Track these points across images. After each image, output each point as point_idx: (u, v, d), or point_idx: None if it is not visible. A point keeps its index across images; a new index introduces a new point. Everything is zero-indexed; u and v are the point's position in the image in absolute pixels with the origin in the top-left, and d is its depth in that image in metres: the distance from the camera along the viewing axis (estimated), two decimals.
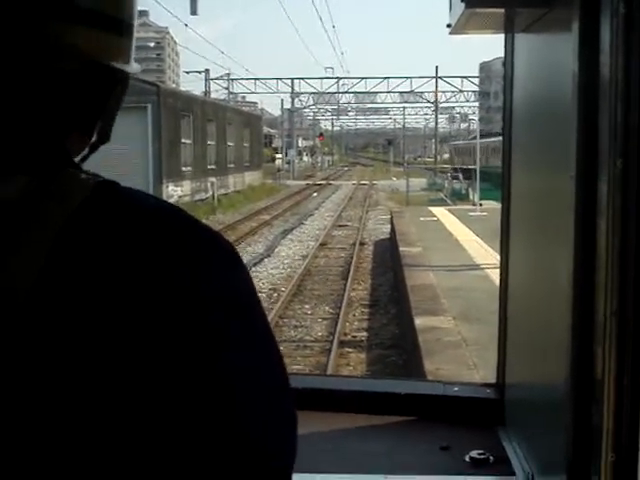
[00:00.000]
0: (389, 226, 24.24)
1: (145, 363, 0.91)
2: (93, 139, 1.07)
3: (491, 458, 2.45)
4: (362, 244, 23.20)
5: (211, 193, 35.79)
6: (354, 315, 14.45)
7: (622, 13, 1.63)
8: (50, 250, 0.91)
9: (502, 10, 2.38)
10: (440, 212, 25.50)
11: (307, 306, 15.14)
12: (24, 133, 0.97)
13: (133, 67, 1.07)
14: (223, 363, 0.93)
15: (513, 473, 2.37)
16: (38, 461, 0.89)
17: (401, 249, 16.65)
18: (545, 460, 2.20)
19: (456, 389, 2.80)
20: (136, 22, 1.05)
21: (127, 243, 0.94)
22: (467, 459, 2.45)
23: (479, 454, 2.45)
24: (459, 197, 32.98)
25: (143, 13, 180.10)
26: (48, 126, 0.98)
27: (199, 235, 1.00)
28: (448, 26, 2.49)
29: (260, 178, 51.67)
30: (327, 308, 14.96)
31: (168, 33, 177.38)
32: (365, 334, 13.14)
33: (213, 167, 38.10)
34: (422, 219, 23.29)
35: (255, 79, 77.54)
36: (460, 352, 8.52)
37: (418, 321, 10.12)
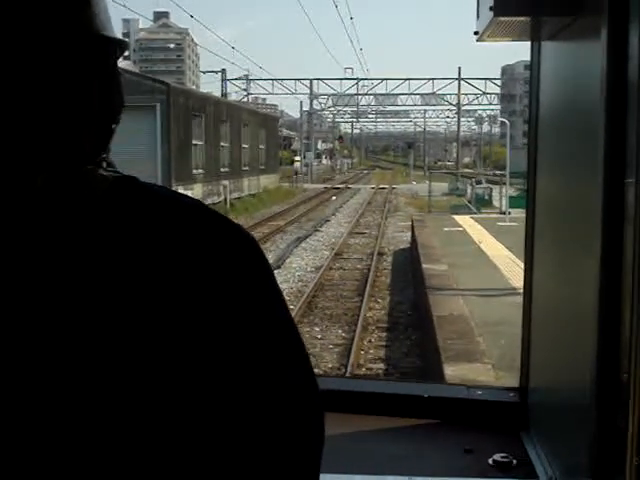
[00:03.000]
0: (409, 234, 22.80)
1: (175, 341, 0.94)
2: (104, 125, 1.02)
3: (514, 461, 2.47)
4: (380, 254, 21.79)
5: (223, 197, 35.42)
6: (370, 341, 13.05)
7: None
8: (68, 246, 0.94)
9: (529, 18, 2.40)
10: (465, 221, 23.78)
11: (317, 329, 13.77)
12: (40, 132, 0.95)
13: (117, 36, 1.03)
14: (241, 347, 0.97)
15: (536, 476, 2.39)
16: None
17: (424, 266, 14.83)
18: (568, 464, 2.21)
19: (480, 392, 2.82)
20: None
21: (148, 232, 0.97)
22: (491, 462, 2.47)
23: (502, 457, 2.47)
24: (483, 203, 32.43)
25: (163, 14, 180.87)
26: (63, 122, 0.96)
27: (219, 222, 1.03)
28: (475, 33, 2.51)
29: (276, 181, 51.12)
30: (340, 332, 13.57)
31: (188, 35, 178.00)
32: (382, 366, 11.72)
33: (226, 170, 37.34)
34: (446, 229, 21.46)
35: (273, 79, 77.35)
36: None
37: (449, 370, 8.30)
